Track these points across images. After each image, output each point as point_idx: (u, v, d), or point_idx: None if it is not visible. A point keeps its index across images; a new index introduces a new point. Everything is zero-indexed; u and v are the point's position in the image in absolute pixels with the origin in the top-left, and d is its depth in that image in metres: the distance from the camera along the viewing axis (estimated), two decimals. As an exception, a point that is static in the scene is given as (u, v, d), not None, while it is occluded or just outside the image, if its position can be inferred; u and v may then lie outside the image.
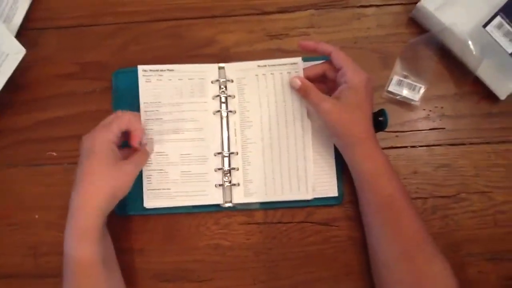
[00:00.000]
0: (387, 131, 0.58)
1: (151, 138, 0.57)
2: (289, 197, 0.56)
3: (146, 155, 0.55)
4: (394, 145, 0.58)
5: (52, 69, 0.62)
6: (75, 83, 0.61)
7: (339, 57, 0.52)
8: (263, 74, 0.58)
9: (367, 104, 0.52)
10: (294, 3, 0.62)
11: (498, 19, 0.53)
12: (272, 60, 0.57)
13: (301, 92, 0.55)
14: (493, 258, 0.56)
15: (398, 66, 0.59)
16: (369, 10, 0.61)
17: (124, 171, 0.50)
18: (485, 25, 0.53)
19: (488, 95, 0.58)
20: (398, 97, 0.58)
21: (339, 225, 0.57)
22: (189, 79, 0.58)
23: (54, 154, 0.60)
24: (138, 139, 0.53)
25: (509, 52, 0.53)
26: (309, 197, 0.56)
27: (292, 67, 0.56)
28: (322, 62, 0.56)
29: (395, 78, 0.58)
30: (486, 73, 0.56)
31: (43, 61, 0.62)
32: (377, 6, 0.61)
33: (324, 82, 0.56)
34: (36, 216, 0.59)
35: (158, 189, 0.56)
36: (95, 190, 0.48)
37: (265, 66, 0.57)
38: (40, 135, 0.61)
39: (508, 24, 0.52)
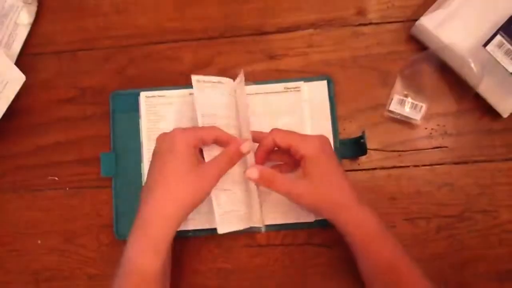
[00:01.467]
0: (389, 151, 0.58)
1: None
2: (291, 219, 0.56)
3: (231, 155, 0.48)
4: (396, 165, 0.58)
5: (50, 94, 0.62)
6: (74, 108, 0.61)
7: (281, 137, 0.48)
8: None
9: (334, 167, 0.48)
10: (292, 23, 0.61)
11: (498, 37, 0.52)
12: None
13: (263, 183, 0.48)
14: (498, 278, 0.55)
15: (398, 84, 0.58)
16: (368, 28, 0.61)
17: (206, 176, 0.45)
18: (485, 44, 0.52)
19: (490, 111, 0.57)
20: (399, 116, 0.58)
21: (340, 247, 0.56)
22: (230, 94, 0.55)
23: (56, 178, 0.60)
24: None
25: (510, 71, 0.52)
26: (310, 219, 0.56)
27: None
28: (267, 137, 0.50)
29: (396, 98, 0.57)
30: (488, 90, 0.55)
31: (41, 86, 0.62)
32: (376, 24, 0.61)
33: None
34: (39, 242, 0.59)
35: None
36: (171, 198, 0.44)
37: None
38: (40, 160, 0.60)
39: (509, 42, 0.52)
